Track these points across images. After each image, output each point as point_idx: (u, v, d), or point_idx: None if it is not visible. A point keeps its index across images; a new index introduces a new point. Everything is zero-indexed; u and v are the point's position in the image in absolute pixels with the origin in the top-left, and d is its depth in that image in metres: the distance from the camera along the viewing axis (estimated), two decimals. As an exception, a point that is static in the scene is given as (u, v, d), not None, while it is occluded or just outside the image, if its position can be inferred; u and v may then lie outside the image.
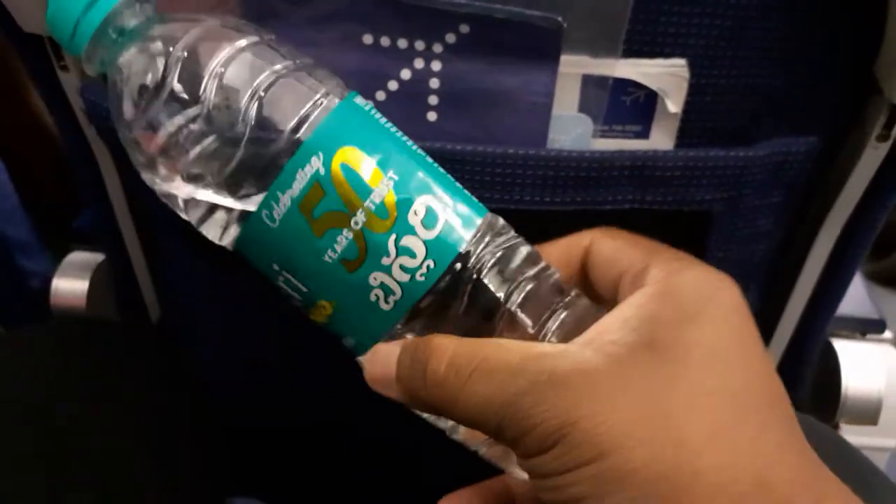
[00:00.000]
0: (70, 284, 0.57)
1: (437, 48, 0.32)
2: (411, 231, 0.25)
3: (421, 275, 0.25)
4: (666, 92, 0.33)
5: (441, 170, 0.28)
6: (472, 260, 0.26)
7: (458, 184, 0.28)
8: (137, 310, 0.57)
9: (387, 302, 0.26)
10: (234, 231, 0.27)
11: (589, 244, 0.29)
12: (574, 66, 0.33)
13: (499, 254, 0.27)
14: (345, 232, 0.25)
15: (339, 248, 0.25)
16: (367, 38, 0.32)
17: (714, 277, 0.26)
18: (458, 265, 0.26)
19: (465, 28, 0.31)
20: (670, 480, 0.21)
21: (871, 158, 0.38)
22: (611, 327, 0.24)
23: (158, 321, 0.57)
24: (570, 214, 0.36)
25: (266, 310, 0.46)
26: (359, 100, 0.27)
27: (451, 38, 0.31)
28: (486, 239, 0.27)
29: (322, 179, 0.25)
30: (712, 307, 0.24)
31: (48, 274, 0.58)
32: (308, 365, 0.49)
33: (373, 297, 0.26)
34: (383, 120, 0.27)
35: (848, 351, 0.53)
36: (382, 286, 0.25)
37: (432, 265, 0.25)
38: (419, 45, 0.32)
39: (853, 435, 0.52)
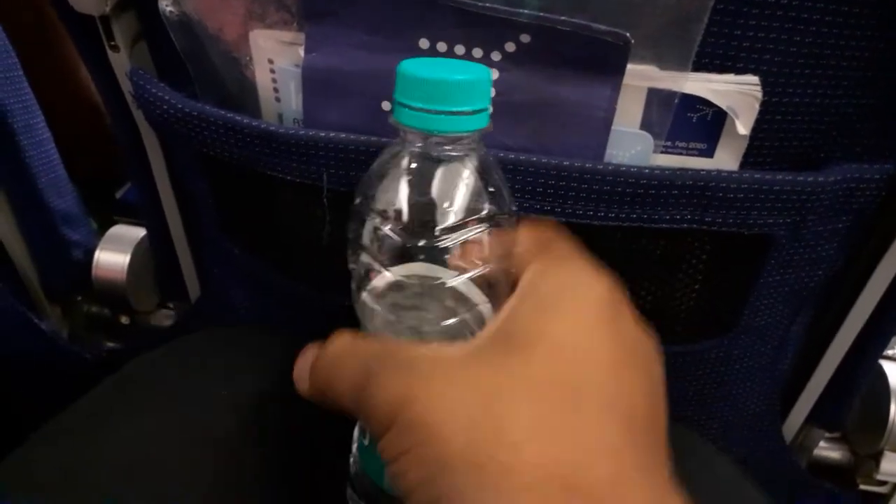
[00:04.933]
0: (111, 257, 0.58)
1: (496, 56, 0.30)
2: None
3: None
4: (736, 112, 0.31)
5: None
6: None
7: None
8: (177, 286, 0.57)
9: None
10: None
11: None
12: (640, 79, 0.31)
13: None
14: None
15: None
16: (424, 43, 0.31)
17: (582, 274, 0.26)
18: None
19: (525, 38, 0.29)
20: (484, 472, 0.20)
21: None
22: (487, 326, 0.25)
23: (198, 298, 0.57)
24: (625, 230, 0.35)
25: (294, 299, 0.46)
26: None
27: (510, 47, 0.30)
28: None
29: None
30: (569, 302, 0.24)
31: (91, 245, 0.59)
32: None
33: None
34: None
35: (900, 375, 0.51)
36: None
37: None
38: (477, 52, 0.30)
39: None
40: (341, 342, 0.27)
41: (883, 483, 0.54)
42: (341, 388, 0.25)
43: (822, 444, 0.55)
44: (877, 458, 0.52)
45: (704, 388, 0.44)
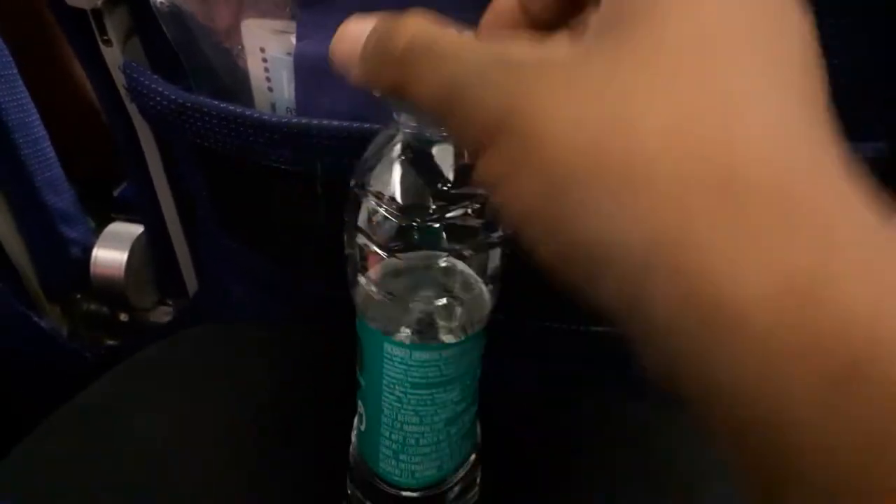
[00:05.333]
0: (110, 255, 0.58)
1: (487, 39, 0.30)
2: None
3: None
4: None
5: None
6: None
7: None
8: (175, 283, 0.57)
9: None
10: None
11: None
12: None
13: None
14: None
15: None
16: (415, 27, 0.31)
17: None
18: None
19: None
20: (620, 185, 0.16)
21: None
22: (590, 16, 0.20)
23: (195, 294, 0.58)
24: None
25: (292, 291, 0.47)
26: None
27: (502, 29, 0.30)
28: None
29: None
30: None
31: (89, 243, 0.59)
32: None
33: None
34: None
35: None
36: None
37: None
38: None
39: None
40: (416, 30, 0.22)
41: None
42: (420, 93, 0.21)
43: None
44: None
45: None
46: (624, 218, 0.16)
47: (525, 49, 0.20)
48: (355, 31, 0.23)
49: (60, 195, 0.57)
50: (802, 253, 0.14)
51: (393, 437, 0.30)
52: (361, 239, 0.29)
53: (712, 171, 0.16)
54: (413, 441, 0.30)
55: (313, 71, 0.34)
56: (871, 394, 0.13)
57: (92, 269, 0.58)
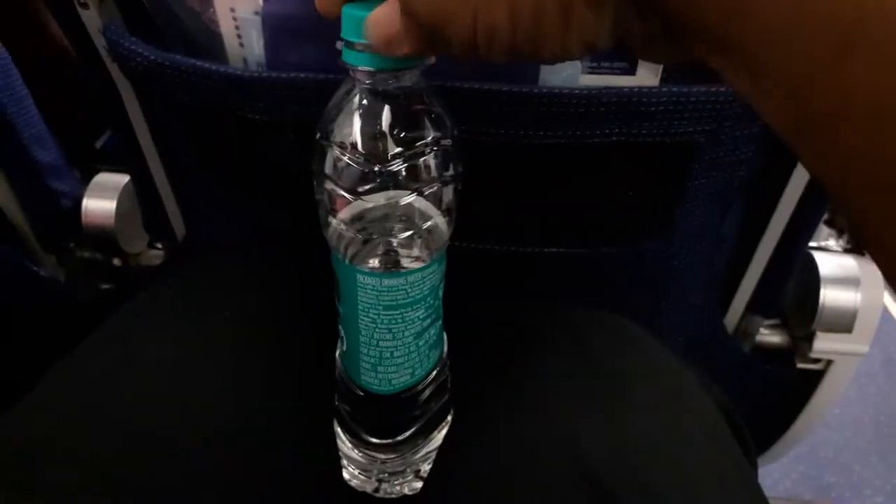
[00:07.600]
0: (99, 204, 0.61)
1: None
2: None
3: None
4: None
5: None
6: None
7: None
8: (163, 226, 0.61)
9: None
10: None
11: None
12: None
13: None
14: None
15: None
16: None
17: None
18: None
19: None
20: None
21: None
22: None
23: (183, 236, 0.61)
24: (562, 148, 0.39)
25: (273, 230, 0.50)
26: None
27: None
28: None
29: None
30: None
31: (78, 194, 0.62)
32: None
33: None
34: None
35: (827, 263, 0.56)
36: None
37: None
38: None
39: (828, 342, 0.56)
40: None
41: (817, 361, 0.60)
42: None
43: (762, 330, 0.60)
44: (810, 339, 0.58)
45: (649, 285, 0.49)
46: None
47: None
48: (386, 19, 0.27)
49: (47, 150, 0.60)
50: None
51: (370, 353, 0.35)
52: (329, 185, 0.32)
53: None
54: (388, 354, 0.35)
55: (280, 28, 0.37)
56: None
57: (83, 218, 0.61)
